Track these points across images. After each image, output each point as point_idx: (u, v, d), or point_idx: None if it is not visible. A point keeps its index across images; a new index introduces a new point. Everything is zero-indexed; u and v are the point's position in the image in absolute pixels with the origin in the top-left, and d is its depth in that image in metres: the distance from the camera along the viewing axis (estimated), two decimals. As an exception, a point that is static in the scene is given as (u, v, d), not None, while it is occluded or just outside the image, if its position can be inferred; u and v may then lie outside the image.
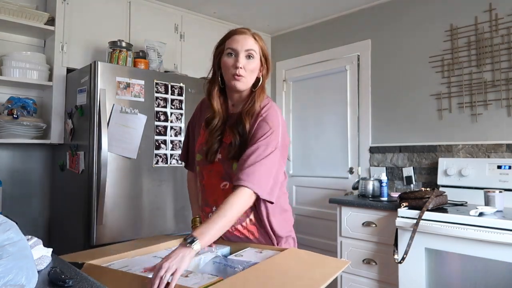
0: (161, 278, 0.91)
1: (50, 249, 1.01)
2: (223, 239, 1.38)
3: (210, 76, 1.40)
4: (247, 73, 1.30)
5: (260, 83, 1.35)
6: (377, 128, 3.14)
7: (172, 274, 0.92)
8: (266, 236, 1.36)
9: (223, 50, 1.34)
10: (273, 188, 1.23)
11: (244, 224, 1.34)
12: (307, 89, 3.66)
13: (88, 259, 1.10)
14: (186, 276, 0.97)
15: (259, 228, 1.35)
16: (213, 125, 1.35)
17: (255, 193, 1.18)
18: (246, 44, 1.30)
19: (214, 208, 1.35)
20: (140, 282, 0.93)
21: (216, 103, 1.35)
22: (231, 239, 1.37)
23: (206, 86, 1.39)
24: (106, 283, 0.91)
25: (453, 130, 2.70)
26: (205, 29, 3.43)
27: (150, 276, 0.95)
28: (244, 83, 1.31)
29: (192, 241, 1.02)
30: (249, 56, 1.31)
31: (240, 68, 1.28)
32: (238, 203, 1.16)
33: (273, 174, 1.23)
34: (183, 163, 1.61)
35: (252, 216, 1.34)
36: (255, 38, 1.33)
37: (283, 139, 1.30)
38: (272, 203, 1.25)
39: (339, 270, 1.10)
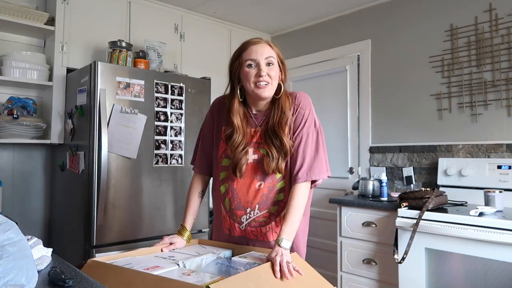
0: (284, 265, 1.11)
1: (50, 249, 1.01)
2: (250, 238, 1.41)
3: (228, 91, 1.43)
4: (271, 79, 1.35)
5: (282, 90, 1.39)
6: (377, 128, 3.14)
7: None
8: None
9: (241, 63, 1.36)
10: (326, 164, 1.40)
11: (278, 219, 1.38)
12: (307, 89, 3.64)
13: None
14: (189, 275, 0.97)
15: None
16: (234, 140, 1.37)
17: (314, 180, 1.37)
18: (264, 52, 1.34)
19: (248, 210, 1.37)
20: (142, 278, 0.93)
21: (237, 120, 1.38)
22: (261, 243, 1.39)
23: (226, 101, 1.42)
24: (108, 279, 0.91)
25: (453, 130, 2.70)
26: (205, 29, 3.43)
27: (154, 273, 0.96)
28: (269, 90, 1.36)
29: (286, 242, 1.23)
30: (269, 64, 1.35)
31: (264, 75, 1.33)
32: (303, 197, 1.34)
33: (320, 154, 1.38)
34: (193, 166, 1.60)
35: (285, 211, 1.36)
36: (270, 45, 1.37)
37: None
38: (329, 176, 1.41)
39: None
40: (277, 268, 1.11)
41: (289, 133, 1.37)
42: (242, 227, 1.40)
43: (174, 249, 1.35)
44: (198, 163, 1.56)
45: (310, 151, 1.37)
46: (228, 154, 1.40)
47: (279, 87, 1.39)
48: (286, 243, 1.23)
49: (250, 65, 1.34)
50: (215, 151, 1.48)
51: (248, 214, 1.38)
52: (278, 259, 1.13)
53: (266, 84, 1.34)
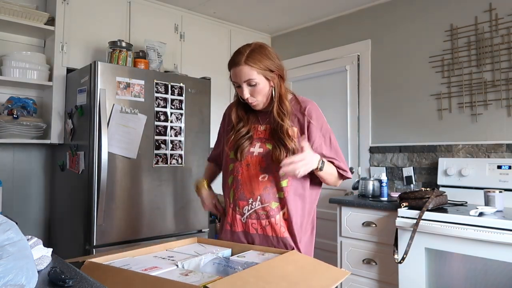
0: (296, 162, 1.24)
1: (50, 249, 1.01)
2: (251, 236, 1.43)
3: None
4: (256, 97, 1.40)
5: (275, 95, 1.42)
6: (377, 128, 3.14)
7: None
8: (293, 232, 1.41)
9: None
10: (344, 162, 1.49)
11: (278, 217, 1.40)
12: (307, 89, 3.65)
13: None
14: (187, 275, 0.97)
15: (290, 223, 1.41)
16: (236, 130, 1.48)
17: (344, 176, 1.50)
18: (243, 76, 1.37)
19: (250, 200, 1.42)
20: (140, 279, 0.93)
21: (235, 117, 1.49)
22: (261, 238, 1.41)
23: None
24: (107, 280, 0.91)
25: (453, 130, 2.70)
26: (205, 29, 3.43)
27: (152, 274, 0.96)
28: (259, 104, 1.43)
29: (322, 163, 1.34)
30: (250, 84, 1.38)
31: (247, 97, 1.39)
32: (336, 174, 1.47)
33: (341, 154, 1.48)
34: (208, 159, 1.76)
35: (285, 210, 1.41)
36: (249, 65, 1.35)
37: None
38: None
39: (337, 281, 1.10)
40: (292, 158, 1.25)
41: (294, 136, 1.41)
42: (244, 220, 1.43)
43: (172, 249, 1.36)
44: (212, 154, 1.72)
45: (335, 155, 1.45)
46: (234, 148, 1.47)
47: (278, 91, 1.42)
48: (322, 162, 1.35)
49: (236, 86, 1.42)
50: (225, 148, 1.54)
51: (250, 205, 1.42)
52: (303, 154, 1.27)
53: (253, 101, 1.41)
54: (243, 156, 1.44)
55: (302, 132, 1.42)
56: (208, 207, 1.59)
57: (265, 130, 1.46)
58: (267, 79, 1.39)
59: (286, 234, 1.40)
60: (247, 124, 1.47)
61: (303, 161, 1.26)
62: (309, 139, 1.41)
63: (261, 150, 1.43)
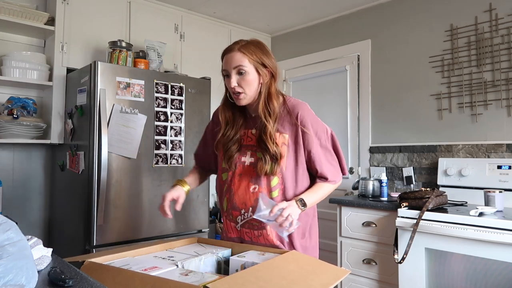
0: (286, 218, 1.21)
1: (50, 249, 1.01)
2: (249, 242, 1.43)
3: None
4: (244, 88, 1.35)
5: (262, 95, 1.36)
6: (377, 128, 3.14)
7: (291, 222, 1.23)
8: (284, 241, 1.40)
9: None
10: (344, 164, 1.48)
11: (269, 227, 1.38)
12: (307, 89, 3.66)
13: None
14: (187, 275, 0.97)
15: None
16: (224, 133, 1.43)
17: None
18: (233, 61, 1.33)
19: (242, 211, 1.39)
20: (140, 279, 0.93)
21: (222, 118, 1.44)
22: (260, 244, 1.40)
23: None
24: (107, 280, 0.91)
25: (453, 130, 2.70)
26: (205, 29, 3.43)
27: (152, 274, 0.96)
28: (244, 99, 1.37)
29: (303, 203, 1.32)
30: (240, 72, 1.33)
31: (234, 86, 1.34)
32: (330, 189, 1.46)
33: (341, 155, 1.46)
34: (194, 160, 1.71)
35: None
36: (243, 52, 1.33)
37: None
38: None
39: (337, 279, 1.10)
40: (276, 209, 1.21)
41: (277, 139, 1.37)
42: (238, 228, 1.43)
43: (171, 251, 1.35)
44: (198, 159, 1.67)
45: (325, 160, 1.41)
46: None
47: (267, 88, 1.37)
48: (301, 201, 1.31)
49: (225, 76, 1.38)
50: (219, 154, 1.50)
51: (242, 216, 1.40)
52: (284, 206, 1.23)
53: (239, 94, 1.35)
54: (232, 165, 1.41)
55: (295, 140, 1.38)
56: (161, 206, 1.41)
57: (254, 136, 1.41)
58: (258, 73, 1.35)
59: (279, 243, 1.39)
60: (234, 127, 1.43)
61: (287, 210, 1.24)
62: (305, 148, 1.39)
63: (252, 159, 1.40)
